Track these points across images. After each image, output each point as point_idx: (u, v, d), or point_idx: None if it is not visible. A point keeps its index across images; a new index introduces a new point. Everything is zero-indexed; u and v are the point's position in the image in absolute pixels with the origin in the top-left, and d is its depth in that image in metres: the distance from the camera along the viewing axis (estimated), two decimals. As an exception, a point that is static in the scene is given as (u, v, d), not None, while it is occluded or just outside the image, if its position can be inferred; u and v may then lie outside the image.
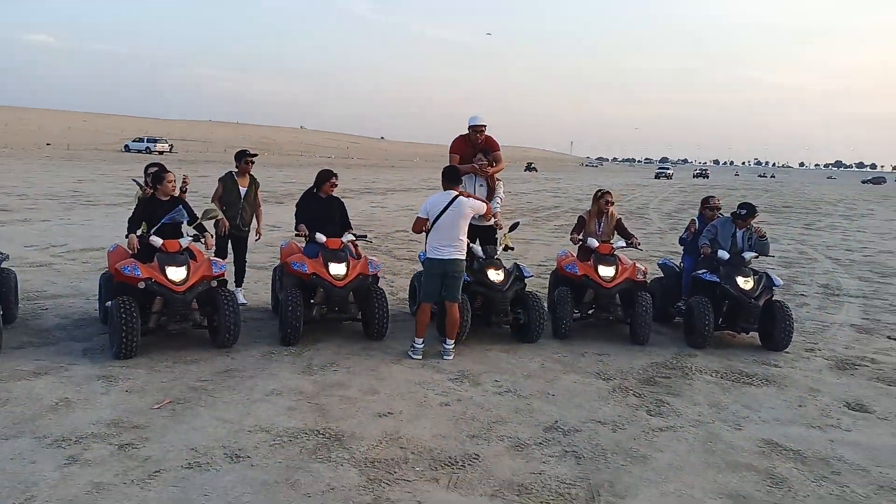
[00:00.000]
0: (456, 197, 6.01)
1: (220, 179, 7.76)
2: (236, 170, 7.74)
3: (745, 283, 6.72)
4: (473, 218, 6.26)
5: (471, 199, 6.20)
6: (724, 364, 6.32)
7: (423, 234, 6.23)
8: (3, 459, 3.80)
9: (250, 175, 7.82)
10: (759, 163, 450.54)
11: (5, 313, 5.99)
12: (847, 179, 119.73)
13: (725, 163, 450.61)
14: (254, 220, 7.90)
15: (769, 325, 6.77)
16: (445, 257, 5.97)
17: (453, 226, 5.97)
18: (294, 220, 6.88)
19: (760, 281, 6.81)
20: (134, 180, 7.30)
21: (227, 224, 7.15)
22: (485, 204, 6.36)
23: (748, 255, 6.94)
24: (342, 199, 7.17)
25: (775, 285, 6.90)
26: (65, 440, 4.07)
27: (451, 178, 6.15)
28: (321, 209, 6.89)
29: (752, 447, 4.51)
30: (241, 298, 7.64)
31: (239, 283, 7.84)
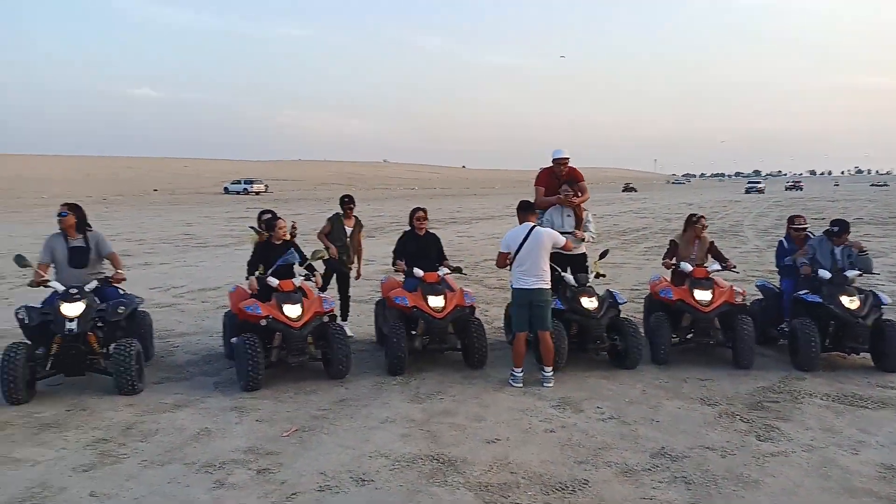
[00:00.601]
0: (533, 228, 6.25)
1: (328, 219, 8.37)
2: (342, 211, 8.29)
3: (850, 302, 6.56)
4: (560, 248, 6.45)
5: (547, 229, 6.45)
6: (835, 387, 6.17)
7: (508, 266, 6.47)
8: (161, 483, 4.30)
9: (355, 216, 8.37)
10: (859, 171, 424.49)
11: (145, 352, 6.65)
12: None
13: (823, 173, 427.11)
14: (354, 259, 8.41)
15: (881, 344, 6.56)
16: (530, 287, 6.19)
17: (534, 256, 6.19)
18: (392, 256, 7.30)
19: (867, 299, 6.63)
20: (251, 227, 7.97)
21: (336, 252, 7.82)
22: (565, 238, 6.54)
23: (851, 273, 6.78)
24: (437, 235, 7.55)
25: (883, 303, 6.69)
26: (210, 465, 4.54)
27: (525, 211, 6.41)
28: (418, 247, 7.29)
29: (872, 472, 4.43)
30: (347, 331, 8.11)
31: (344, 317, 8.32)
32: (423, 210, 7.53)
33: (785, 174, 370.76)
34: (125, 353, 5.88)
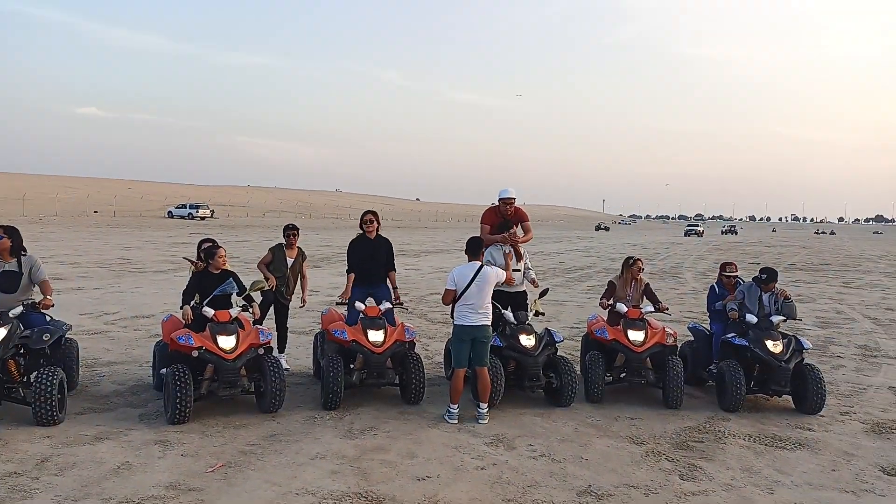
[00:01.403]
0: (481, 267, 6.35)
1: (270, 249, 8.28)
2: (284, 241, 8.23)
3: (774, 346, 6.84)
4: (501, 284, 6.58)
5: (493, 267, 6.56)
6: (757, 428, 6.39)
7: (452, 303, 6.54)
8: (73, 520, 4.11)
9: (298, 247, 8.31)
10: (796, 218, 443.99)
11: (69, 381, 6.41)
12: (893, 234, 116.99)
13: (762, 218, 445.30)
14: (298, 289, 8.32)
15: (801, 388, 6.84)
16: (474, 324, 6.26)
17: (480, 294, 6.29)
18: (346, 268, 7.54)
19: (790, 344, 6.93)
20: (185, 258, 7.84)
21: (275, 282, 7.75)
22: (504, 272, 6.69)
23: (776, 318, 7.09)
24: (389, 239, 7.63)
25: (805, 348, 6.99)
26: (129, 502, 4.38)
27: (473, 250, 6.52)
28: (368, 250, 7.42)
29: (784, 512, 4.59)
30: (283, 364, 8.00)
31: (281, 349, 8.20)
32: (373, 213, 7.58)
33: (728, 218, 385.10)
34: (47, 383, 5.65)
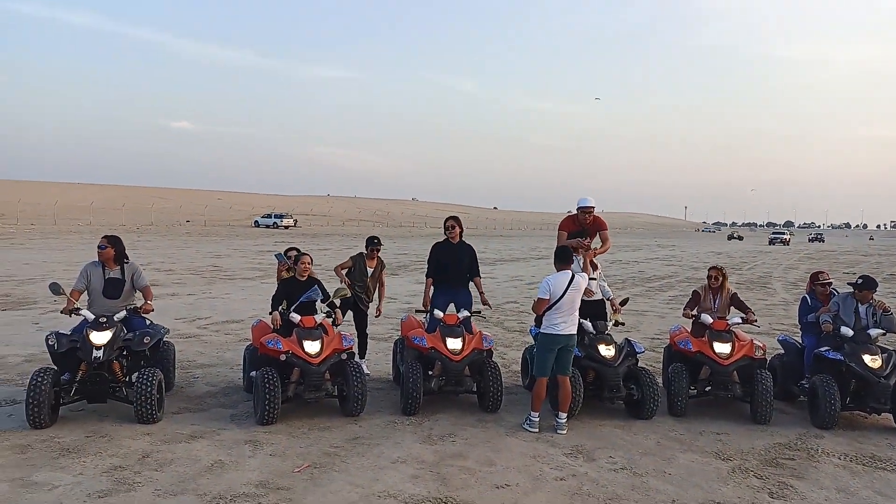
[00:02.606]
0: (573, 276, 6.32)
1: (351, 256, 8.51)
2: (366, 251, 8.43)
3: (872, 360, 6.47)
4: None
5: (583, 275, 6.54)
6: (854, 447, 6.06)
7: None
8: (172, 512, 4.38)
9: (379, 257, 8.52)
10: (895, 224, 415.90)
11: (166, 382, 6.80)
12: None
13: (858, 226, 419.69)
14: (375, 297, 8.51)
15: (904, 406, 6.44)
16: (565, 332, 6.24)
17: (573, 303, 6.26)
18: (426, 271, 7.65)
19: (890, 359, 6.54)
20: (276, 255, 8.18)
21: (349, 284, 7.88)
22: (587, 278, 6.69)
23: (874, 331, 6.71)
24: (472, 245, 7.68)
25: (908, 363, 6.58)
26: (221, 497, 4.62)
27: (564, 259, 6.47)
28: (450, 255, 7.50)
29: (885, 536, 4.34)
30: (364, 369, 8.20)
31: (362, 354, 8.40)
32: (455, 218, 7.64)
33: (818, 226, 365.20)
34: (147, 383, 6.03)
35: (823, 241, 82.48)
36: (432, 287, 7.54)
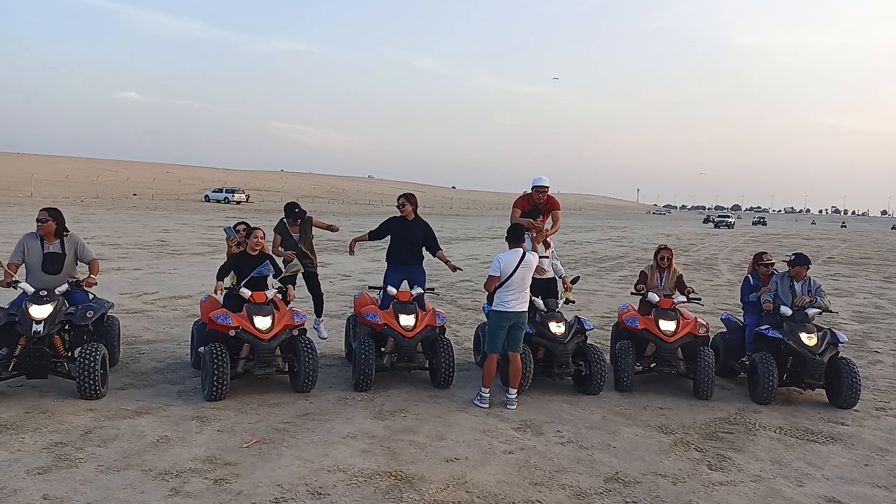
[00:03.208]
0: (524, 254, 6.38)
1: (274, 229, 7.92)
2: (288, 220, 7.92)
3: (808, 338, 6.75)
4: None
5: (533, 253, 6.59)
6: (788, 421, 6.33)
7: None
8: (116, 488, 4.30)
9: (300, 216, 7.95)
10: (836, 210, 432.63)
11: (110, 357, 6.63)
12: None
13: (801, 210, 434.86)
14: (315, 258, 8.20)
15: (835, 381, 6.75)
16: (515, 310, 6.30)
17: (523, 281, 6.32)
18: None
19: (825, 337, 6.84)
20: (225, 229, 7.89)
21: (293, 256, 7.54)
22: (538, 256, 6.77)
23: (811, 311, 6.98)
24: (428, 223, 7.64)
25: (840, 342, 6.89)
26: (167, 473, 4.55)
27: (515, 237, 6.53)
28: (403, 230, 7.46)
29: (814, 504, 4.57)
30: (322, 331, 8.17)
31: (318, 313, 8.28)
32: (406, 196, 7.52)
33: (764, 209, 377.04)
34: (90, 358, 5.87)
35: (766, 225, 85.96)
36: (367, 239, 7.66)
